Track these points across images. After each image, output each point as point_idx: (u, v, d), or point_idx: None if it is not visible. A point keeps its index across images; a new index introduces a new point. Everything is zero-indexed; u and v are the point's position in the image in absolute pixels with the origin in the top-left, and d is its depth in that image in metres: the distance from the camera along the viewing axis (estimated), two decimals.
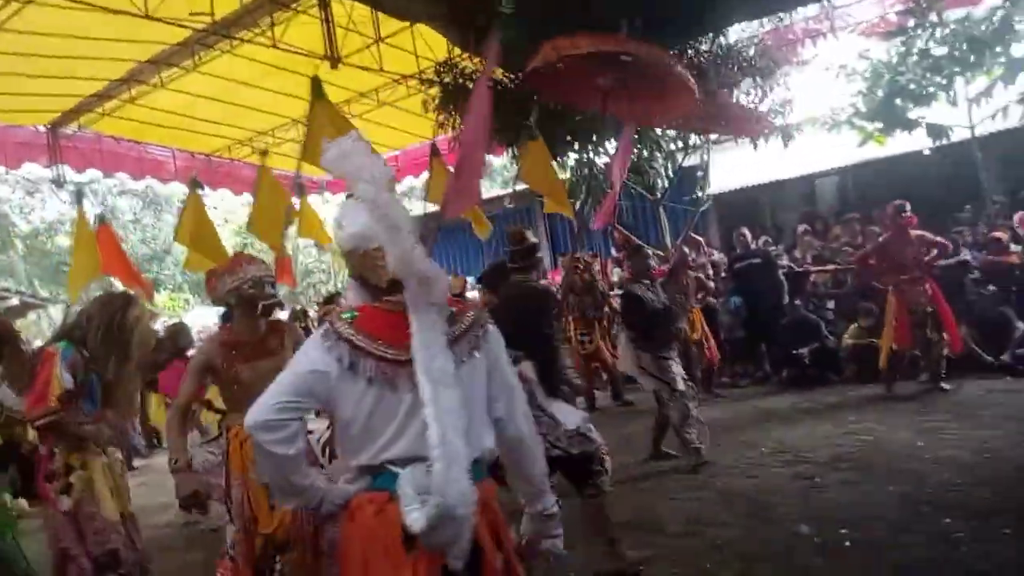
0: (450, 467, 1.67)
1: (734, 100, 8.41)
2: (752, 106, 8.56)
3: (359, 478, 1.84)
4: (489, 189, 23.13)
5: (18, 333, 4.26)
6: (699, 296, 7.87)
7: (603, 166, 10.46)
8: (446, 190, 4.33)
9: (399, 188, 14.69)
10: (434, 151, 7.45)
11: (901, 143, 9.15)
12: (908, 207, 6.92)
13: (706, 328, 7.61)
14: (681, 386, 5.42)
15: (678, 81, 4.78)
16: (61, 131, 11.67)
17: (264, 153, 7.55)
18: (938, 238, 7.00)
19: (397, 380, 1.78)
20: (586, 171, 10.34)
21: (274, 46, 8.58)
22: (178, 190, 15.17)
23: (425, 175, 14.35)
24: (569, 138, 9.03)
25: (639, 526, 4.38)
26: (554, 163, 9.56)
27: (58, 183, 12.52)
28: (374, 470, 1.80)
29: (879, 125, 8.78)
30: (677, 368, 5.51)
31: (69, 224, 26.19)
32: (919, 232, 6.88)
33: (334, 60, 8.55)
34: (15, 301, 15.17)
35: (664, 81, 4.82)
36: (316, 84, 5.16)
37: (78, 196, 7.64)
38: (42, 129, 11.64)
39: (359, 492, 1.83)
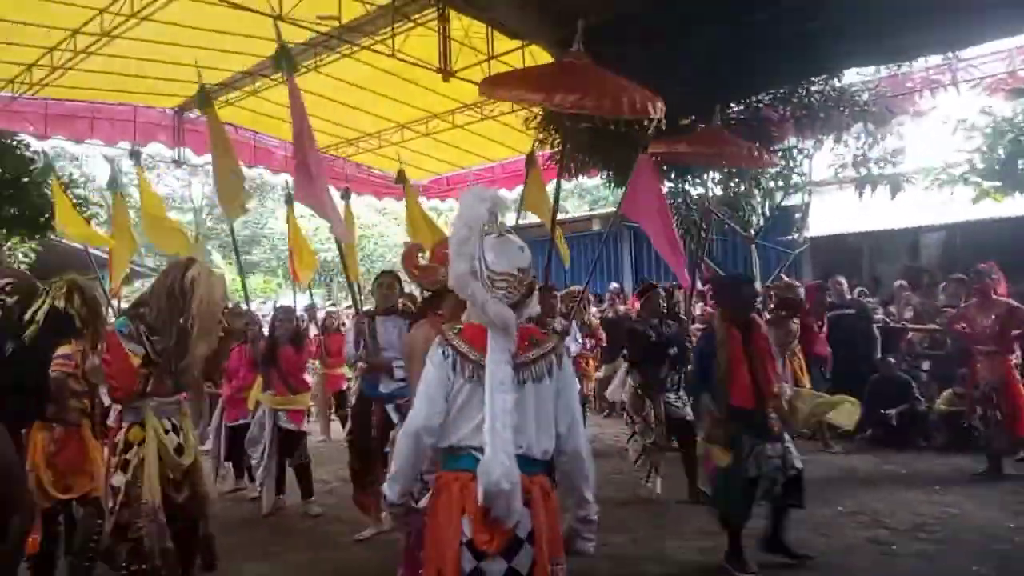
0: (496, 451, 2.05)
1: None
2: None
3: (445, 458, 2.27)
4: (577, 209, 23.25)
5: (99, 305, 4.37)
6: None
7: (696, 197, 10.39)
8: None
9: None
10: (530, 161, 7.55)
11: (1018, 205, 8.72)
12: (994, 271, 6.51)
13: (806, 378, 7.27)
14: (645, 426, 5.73)
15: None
16: (186, 115, 12.47)
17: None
18: None
19: (484, 380, 2.18)
20: (680, 200, 10.28)
21: (393, 55, 8.92)
22: (284, 179, 15.93)
23: (519, 188, 14.63)
24: (665, 168, 8.99)
25: (703, 571, 4.34)
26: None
27: (177, 163, 13.37)
28: (460, 451, 2.20)
29: (996, 184, 8.42)
30: (651, 411, 5.76)
31: (179, 199, 27.86)
32: (1007, 301, 6.39)
33: (446, 73, 8.82)
34: (126, 269, 16.20)
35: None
36: (202, 94, 5.81)
37: (112, 183, 8.15)
38: (169, 112, 12.48)
39: (445, 472, 2.24)
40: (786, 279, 9.41)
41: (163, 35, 9.29)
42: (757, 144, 7.36)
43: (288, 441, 5.81)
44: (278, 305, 6.13)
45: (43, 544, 3.72)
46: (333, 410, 9.32)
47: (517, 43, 9.00)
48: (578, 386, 2.34)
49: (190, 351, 3.33)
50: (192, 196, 27.70)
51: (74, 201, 9.68)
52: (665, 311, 6.08)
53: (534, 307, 2.39)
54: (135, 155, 8.30)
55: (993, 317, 6.25)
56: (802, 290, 7.69)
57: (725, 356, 4.18)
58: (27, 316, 3.70)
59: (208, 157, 13.29)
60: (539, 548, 2.14)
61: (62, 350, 3.73)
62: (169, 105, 12.39)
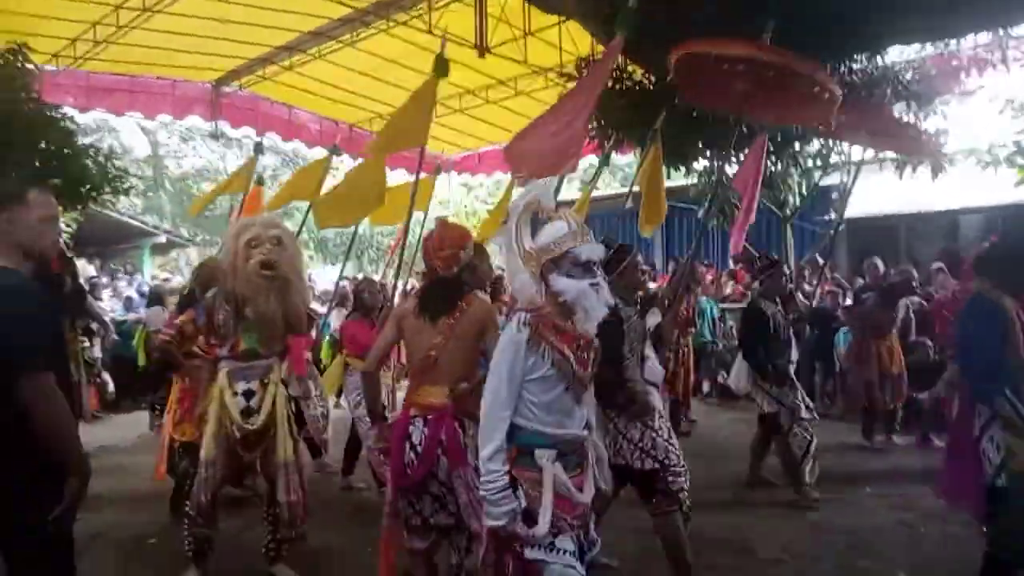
0: None
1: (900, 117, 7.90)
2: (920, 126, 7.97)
3: None
4: (608, 187, 23.09)
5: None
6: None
7: (731, 175, 10.27)
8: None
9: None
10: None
11: None
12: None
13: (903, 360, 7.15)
14: (805, 414, 5.23)
15: (820, 89, 4.64)
16: (223, 89, 12.62)
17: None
18: None
19: None
20: (713, 178, 10.18)
21: (429, 31, 8.92)
22: (319, 154, 16.03)
23: None
24: (701, 144, 8.90)
25: (729, 547, 4.39)
26: (681, 168, 9.59)
27: (214, 136, 13.56)
28: None
29: None
30: (800, 394, 5.33)
31: (215, 172, 28.29)
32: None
33: (482, 49, 8.81)
34: (162, 239, 16.55)
35: (803, 89, 4.70)
36: (440, 62, 5.10)
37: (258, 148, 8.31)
38: (207, 86, 12.63)
39: None
40: (819, 260, 9.33)
41: (203, 10, 9.40)
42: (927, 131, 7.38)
43: None
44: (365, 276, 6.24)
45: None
46: None
47: (554, 19, 8.94)
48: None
49: (248, 310, 3.53)
50: (227, 168, 28.08)
51: (115, 172, 9.89)
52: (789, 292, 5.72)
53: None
54: (258, 148, 8.46)
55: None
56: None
57: (1017, 342, 3.14)
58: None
59: (245, 131, 13.56)
60: None
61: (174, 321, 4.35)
62: (207, 79, 12.54)
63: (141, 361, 8.76)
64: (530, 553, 2.25)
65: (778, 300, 5.55)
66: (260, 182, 8.46)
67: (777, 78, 4.67)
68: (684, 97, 6.13)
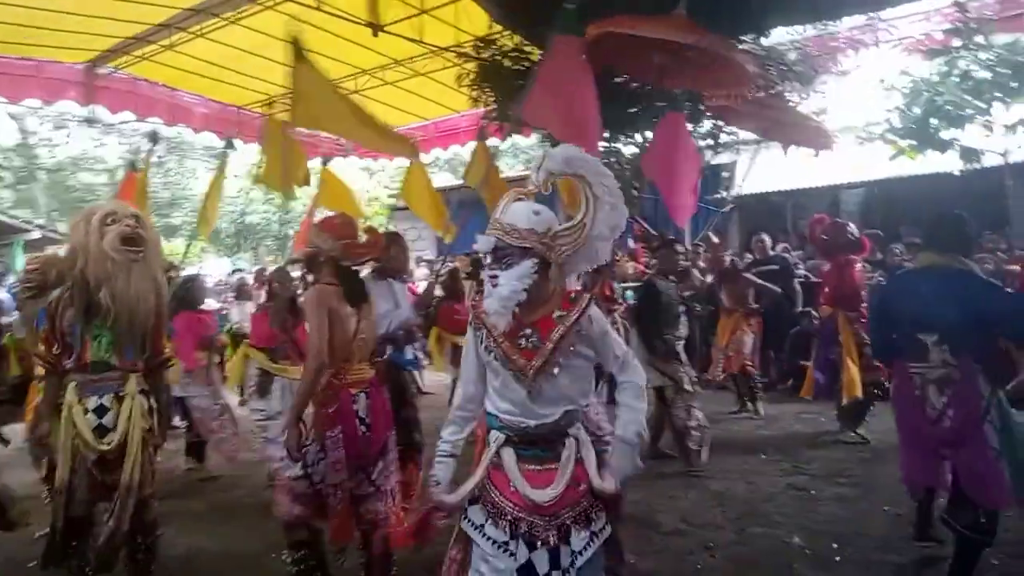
0: None
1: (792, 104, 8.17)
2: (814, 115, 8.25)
3: None
4: (512, 168, 23.12)
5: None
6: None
7: (630, 156, 10.43)
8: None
9: (425, 158, 14.66)
10: (481, 136, 7.56)
11: (932, 163, 9.09)
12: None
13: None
14: (688, 386, 5.47)
15: (735, 67, 4.93)
16: (98, 71, 11.74)
17: (270, 104, 7.77)
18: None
19: None
20: (613, 159, 10.32)
21: (318, 7, 8.57)
22: (207, 139, 15.17)
23: (453, 147, 14.44)
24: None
25: (633, 520, 4.47)
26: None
27: (90, 122, 12.64)
28: None
29: (912, 142, 8.74)
30: (685, 367, 5.57)
31: (93, 161, 26.52)
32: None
33: (376, 28, 8.54)
34: (36, 234, 15.39)
35: (721, 66, 4.97)
36: (296, 47, 5.10)
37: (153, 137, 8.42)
38: (79, 67, 11.72)
39: None
40: (713, 237, 9.65)
41: None
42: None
43: None
44: (277, 267, 6.16)
45: None
46: None
47: None
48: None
49: (103, 293, 3.07)
50: (106, 156, 26.38)
51: None
52: (681, 269, 5.99)
53: None
54: (152, 137, 8.05)
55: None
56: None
57: None
58: None
59: (124, 115, 12.70)
60: None
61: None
62: (79, 60, 11.62)
63: (14, 371, 8.07)
64: (464, 524, 2.29)
65: (672, 277, 5.79)
66: (134, 167, 7.95)
67: (697, 56, 4.84)
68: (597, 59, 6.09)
